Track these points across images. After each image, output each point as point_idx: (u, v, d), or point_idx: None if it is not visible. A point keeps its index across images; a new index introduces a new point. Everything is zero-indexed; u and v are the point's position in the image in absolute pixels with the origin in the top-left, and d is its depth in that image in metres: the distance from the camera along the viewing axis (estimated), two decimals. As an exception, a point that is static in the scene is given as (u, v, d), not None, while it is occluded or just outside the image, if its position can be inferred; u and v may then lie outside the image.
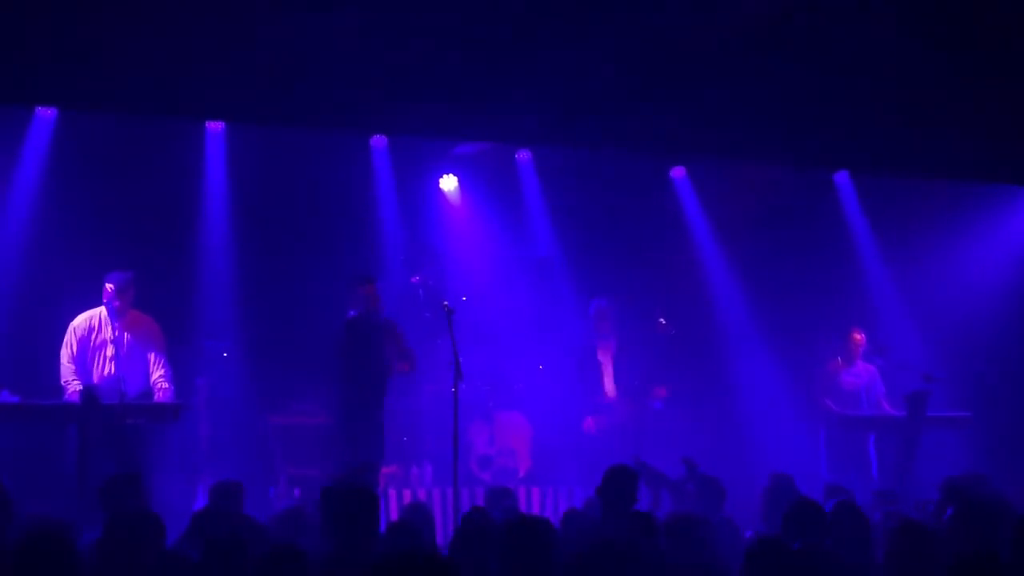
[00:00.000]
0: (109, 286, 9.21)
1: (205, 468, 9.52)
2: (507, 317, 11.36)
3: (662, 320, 11.12)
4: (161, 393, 9.29)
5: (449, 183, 12.06)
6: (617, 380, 10.97)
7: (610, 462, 7.46)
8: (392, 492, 9.97)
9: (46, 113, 10.18)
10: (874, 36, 10.01)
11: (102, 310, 9.28)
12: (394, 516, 9.47)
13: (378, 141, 11.36)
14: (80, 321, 9.27)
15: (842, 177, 12.45)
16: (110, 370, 9.19)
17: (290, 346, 10.80)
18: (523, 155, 12.00)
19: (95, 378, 9.15)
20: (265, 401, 10.64)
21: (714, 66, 10.21)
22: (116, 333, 9.22)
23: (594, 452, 10.58)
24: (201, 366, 10.38)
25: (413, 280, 11.35)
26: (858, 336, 11.21)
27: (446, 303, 9.24)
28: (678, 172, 12.39)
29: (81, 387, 8.90)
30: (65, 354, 9.20)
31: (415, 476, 10.37)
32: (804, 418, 11.26)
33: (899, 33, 9.89)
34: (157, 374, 9.33)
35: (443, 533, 8.82)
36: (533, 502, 10.47)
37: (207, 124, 10.68)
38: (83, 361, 9.21)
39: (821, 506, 6.61)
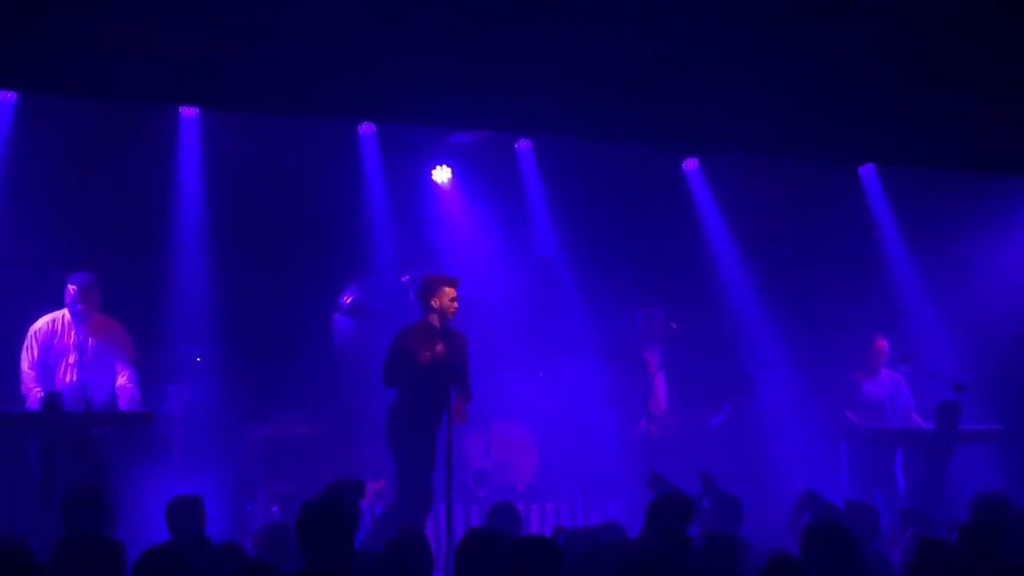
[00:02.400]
0: (71, 287, 9.23)
1: (176, 481, 9.12)
2: (506, 320, 11.38)
3: (673, 324, 11.21)
4: (125, 395, 9.27)
5: (443, 174, 12.08)
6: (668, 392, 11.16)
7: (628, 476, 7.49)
8: (379, 509, 9.92)
9: (6, 97, 10.11)
10: (901, 20, 10.09)
11: (65, 312, 9.32)
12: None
13: (366, 129, 11.30)
14: (41, 324, 9.30)
15: (868, 171, 12.41)
16: (72, 377, 9.23)
17: (270, 350, 10.82)
18: (523, 145, 11.98)
19: (60, 386, 9.16)
20: (243, 410, 10.64)
21: (729, 51, 10.19)
22: (79, 338, 9.25)
23: (601, 466, 10.85)
24: (173, 372, 10.42)
25: (403, 279, 11.30)
26: (881, 343, 11.24)
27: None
28: (690, 164, 12.37)
29: (43, 394, 8.89)
30: (26, 360, 9.24)
31: None
32: (824, 431, 11.25)
33: (929, 17, 9.93)
34: (122, 379, 9.34)
35: (435, 553, 8.75)
36: (532, 520, 10.53)
37: (180, 110, 10.59)
38: (45, 367, 9.23)
39: (843, 524, 6.66)
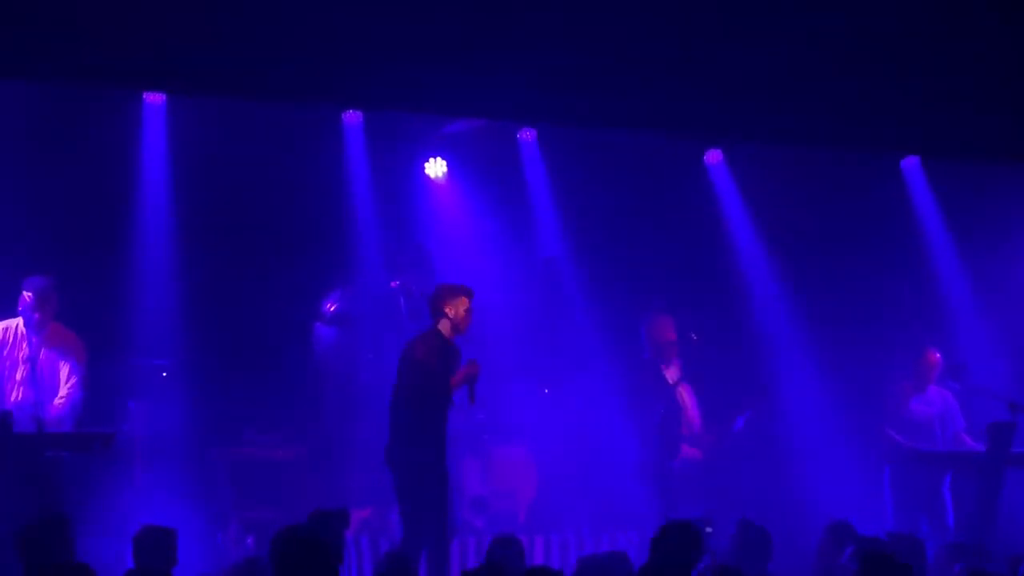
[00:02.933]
0: (27, 294, 9.16)
1: (139, 510, 9.22)
2: (506, 329, 11.23)
3: (693, 335, 11.11)
4: (53, 412, 9.12)
5: (437, 168, 12.04)
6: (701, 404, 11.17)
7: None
8: (365, 540, 9.91)
9: (-52, 82, 10.21)
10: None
11: (19, 321, 9.28)
12: (367, 569, 9.63)
13: (351, 117, 11.27)
14: (-8, 331, 9.37)
15: (911, 163, 12.28)
16: (19, 395, 9.19)
17: (244, 364, 10.75)
18: (526, 135, 11.93)
19: (6, 403, 9.09)
20: (214, 430, 10.58)
21: (756, 29, 10.06)
22: (31, 350, 9.22)
23: (613, 492, 10.80)
24: (136, 388, 10.31)
25: (393, 285, 11.26)
26: (934, 356, 11.09)
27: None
28: (713, 156, 12.29)
29: (-10, 412, 8.99)
30: (-27, 370, 9.30)
31: (394, 521, 9.90)
32: (865, 453, 11.15)
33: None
34: (59, 397, 9.23)
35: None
36: (537, 553, 10.39)
37: (144, 95, 10.50)
38: (-2, 379, 9.27)
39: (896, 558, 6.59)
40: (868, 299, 11.92)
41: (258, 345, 10.80)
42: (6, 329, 9.21)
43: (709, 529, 8.45)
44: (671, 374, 11.07)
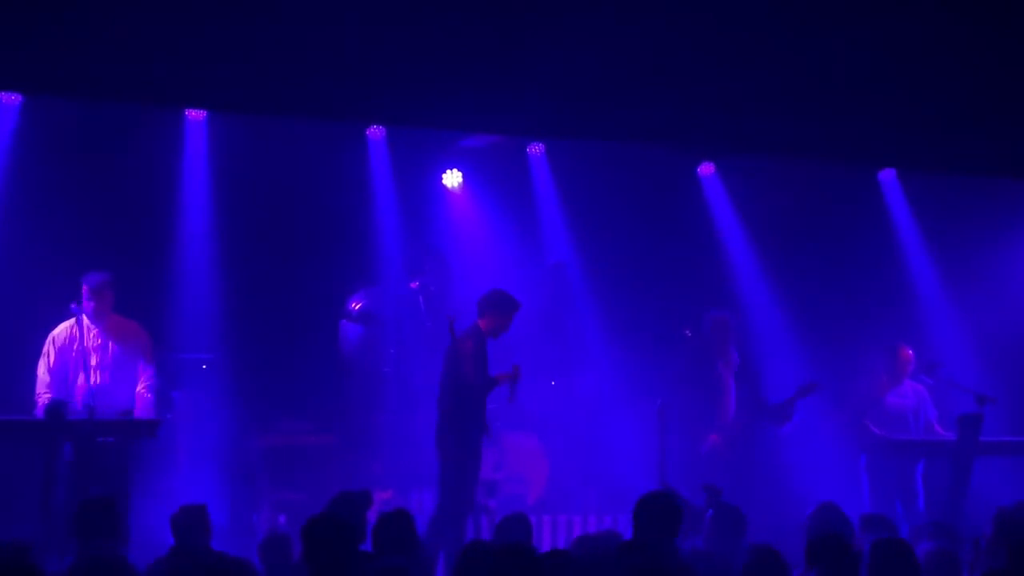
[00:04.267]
0: (84, 287, 9.34)
1: (182, 491, 9.47)
2: (517, 328, 10.71)
3: (688, 332, 11.24)
4: (141, 403, 9.35)
5: (453, 179, 12.23)
6: (739, 398, 11.14)
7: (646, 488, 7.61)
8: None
9: (9, 99, 10.33)
10: (921, 22, 9.89)
11: (83, 318, 9.37)
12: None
13: (375, 132, 11.47)
14: (60, 330, 9.39)
15: (888, 175, 12.50)
16: (97, 380, 9.27)
17: (277, 357, 10.94)
18: (535, 149, 12.12)
19: (80, 390, 9.18)
20: (249, 419, 10.74)
21: (747, 49, 10.14)
22: (99, 340, 9.35)
23: (617, 478, 10.98)
24: (179, 380, 10.48)
25: (412, 286, 11.50)
26: (907, 352, 11.19)
27: (451, 319, 9.47)
28: (706, 169, 12.48)
29: (49, 402, 8.98)
30: (42, 365, 9.34)
31: (414, 503, 10.44)
32: (843, 442, 11.22)
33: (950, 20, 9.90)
34: (140, 386, 9.42)
35: (444, 564, 8.98)
36: (545, 532, 10.61)
37: (187, 113, 10.76)
38: (64, 373, 9.31)
39: (847, 541, 6.68)
40: (847, 300, 12.01)
41: (290, 341, 10.96)
42: (72, 325, 9.24)
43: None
44: (724, 366, 11.06)
